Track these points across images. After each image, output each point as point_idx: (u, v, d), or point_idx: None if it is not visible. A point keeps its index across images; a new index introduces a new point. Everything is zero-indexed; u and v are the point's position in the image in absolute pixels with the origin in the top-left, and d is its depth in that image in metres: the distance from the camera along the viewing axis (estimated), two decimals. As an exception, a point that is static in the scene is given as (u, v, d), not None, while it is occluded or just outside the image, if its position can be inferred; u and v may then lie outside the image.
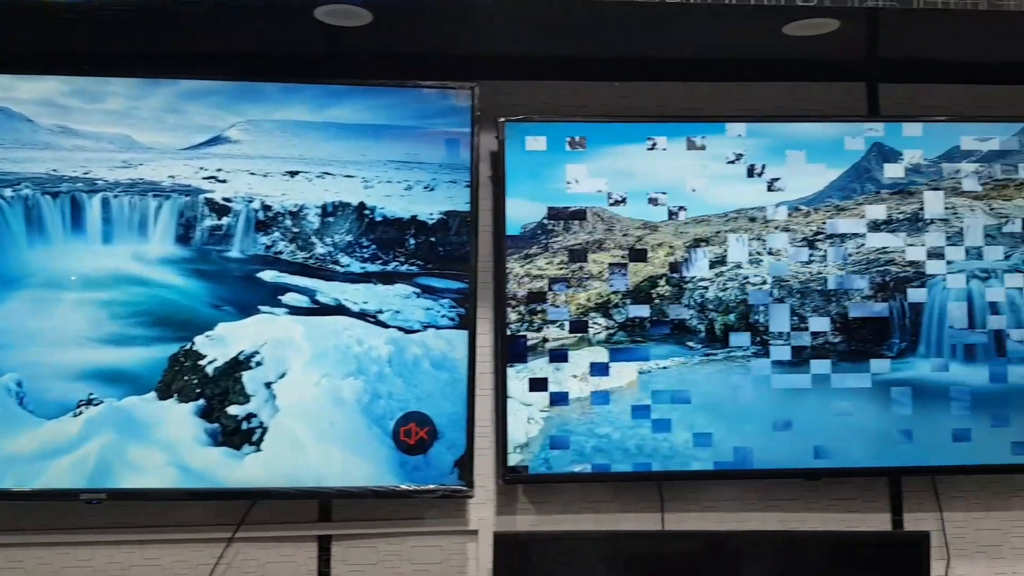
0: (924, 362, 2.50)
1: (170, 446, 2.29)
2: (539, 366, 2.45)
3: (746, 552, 2.42)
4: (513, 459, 2.42)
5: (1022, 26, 2.34)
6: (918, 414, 2.50)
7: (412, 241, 2.42)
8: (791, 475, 2.50)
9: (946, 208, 2.55)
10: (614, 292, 2.50)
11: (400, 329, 2.40)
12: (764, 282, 2.52)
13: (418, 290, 2.41)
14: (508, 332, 2.45)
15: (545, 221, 2.49)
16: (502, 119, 2.47)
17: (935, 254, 2.53)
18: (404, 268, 2.41)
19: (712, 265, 2.52)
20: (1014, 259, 2.54)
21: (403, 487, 2.37)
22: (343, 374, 2.36)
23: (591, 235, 2.50)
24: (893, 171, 2.55)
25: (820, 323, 2.51)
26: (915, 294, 2.51)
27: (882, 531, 2.53)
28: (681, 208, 2.51)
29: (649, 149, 2.52)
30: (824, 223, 2.54)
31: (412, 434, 2.38)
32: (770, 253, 2.53)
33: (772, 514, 2.57)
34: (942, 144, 2.57)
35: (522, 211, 2.48)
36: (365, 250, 2.41)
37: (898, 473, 2.55)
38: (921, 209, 2.55)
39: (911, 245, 2.53)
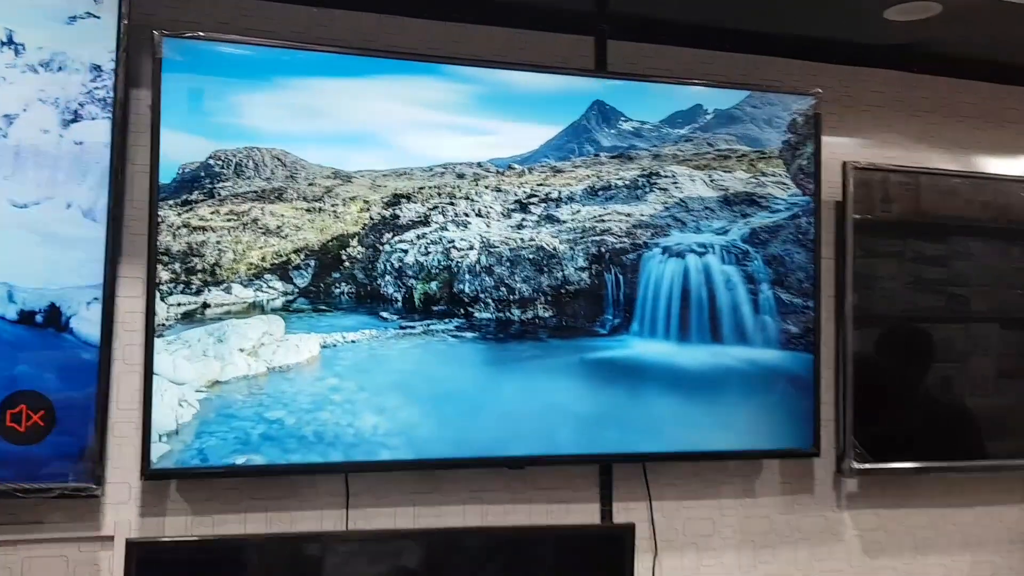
0: (638, 340, 2.32)
1: None
2: (196, 337, 2.03)
3: (439, 552, 2.14)
4: (158, 450, 1.98)
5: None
6: (630, 396, 2.31)
7: (31, 174, 1.92)
8: (493, 464, 2.24)
9: (666, 176, 2.37)
10: (295, 251, 2.12)
11: (9, 286, 1.89)
12: (471, 247, 2.23)
13: (37, 238, 1.91)
14: (159, 295, 2.01)
15: (211, 162, 2.06)
16: (160, 33, 2.02)
17: (653, 225, 2.35)
18: (17, 208, 1.91)
19: (413, 225, 2.20)
20: (732, 234, 2.41)
21: (8, 485, 1.88)
22: (-76, 341, 1.83)
23: (269, 182, 2.10)
24: (614, 133, 2.34)
25: (530, 295, 2.26)
26: (631, 267, 2.32)
27: (584, 524, 2.33)
28: (380, 158, 2.17)
29: (346, 86, 2.15)
30: (539, 185, 2.29)
31: (22, 418, 1.89)
32: (478, 215, 2.24)
33: (474, 507, 2.30)
34: (667, 107, 2.39)
35: (182, 148, 2.03)
36: (-39, 182, 1.88)
37: (608, 460, 2.36)
38: (641, 176, 2.36)
39: (628, 214, 2.34)
